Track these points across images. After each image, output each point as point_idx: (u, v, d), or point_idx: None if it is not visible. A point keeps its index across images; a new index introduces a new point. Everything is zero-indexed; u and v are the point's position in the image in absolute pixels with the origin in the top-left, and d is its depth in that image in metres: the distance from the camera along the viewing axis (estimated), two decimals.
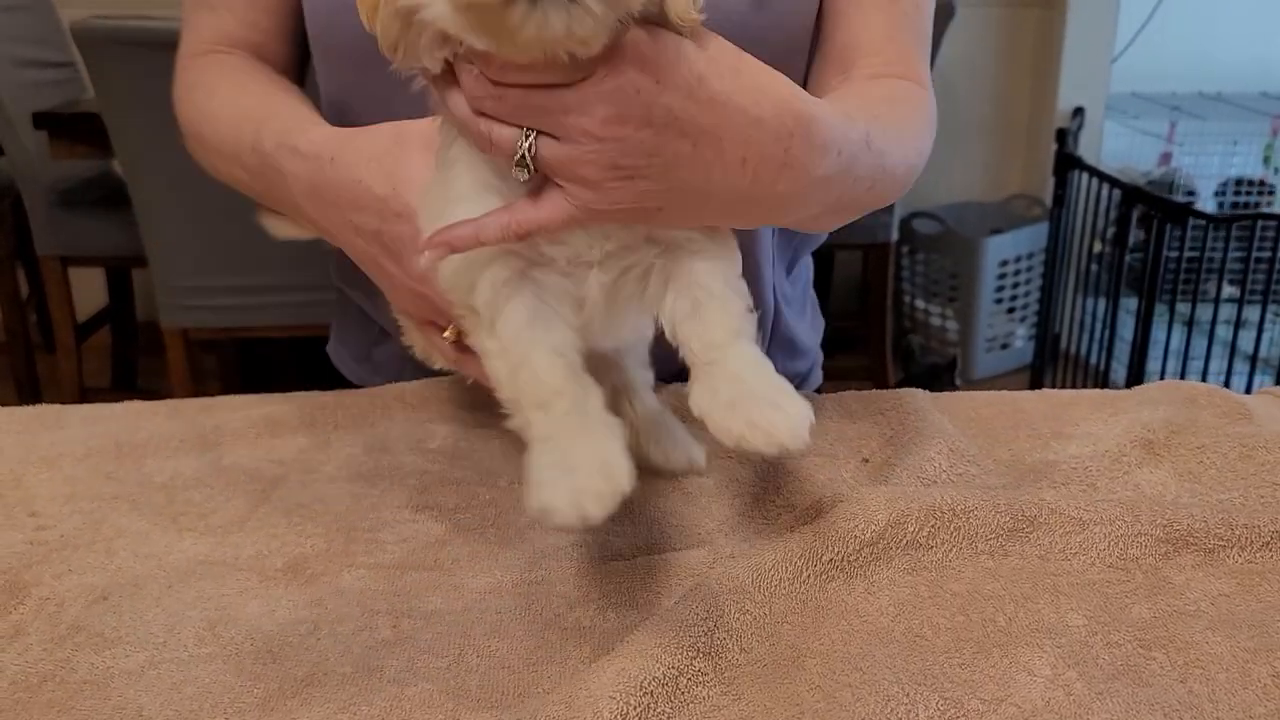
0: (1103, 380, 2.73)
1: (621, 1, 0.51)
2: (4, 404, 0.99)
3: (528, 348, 0.60)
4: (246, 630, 0.67)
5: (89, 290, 3.08)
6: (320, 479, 0.86)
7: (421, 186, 0.66)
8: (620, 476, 0.56)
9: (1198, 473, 0.82)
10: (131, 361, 3.23)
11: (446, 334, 0.73)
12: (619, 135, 0.55)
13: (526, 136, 0.56)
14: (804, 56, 0.87)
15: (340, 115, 0.87)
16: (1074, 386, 2.92)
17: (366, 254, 0.75)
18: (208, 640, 0.66)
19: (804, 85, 0.85)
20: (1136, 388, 0.99)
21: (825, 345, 1.13)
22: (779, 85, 0.60)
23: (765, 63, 0.63)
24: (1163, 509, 0.74)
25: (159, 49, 2.13)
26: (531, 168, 0.56)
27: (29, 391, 3.02)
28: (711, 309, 0.62)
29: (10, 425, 0.94)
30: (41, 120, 2.45)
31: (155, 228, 2.32)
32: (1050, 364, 3.06)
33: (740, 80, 0.58)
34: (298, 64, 0.96)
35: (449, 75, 0.58)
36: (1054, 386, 2.98)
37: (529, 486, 0.57)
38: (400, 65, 0.58)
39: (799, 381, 1.07)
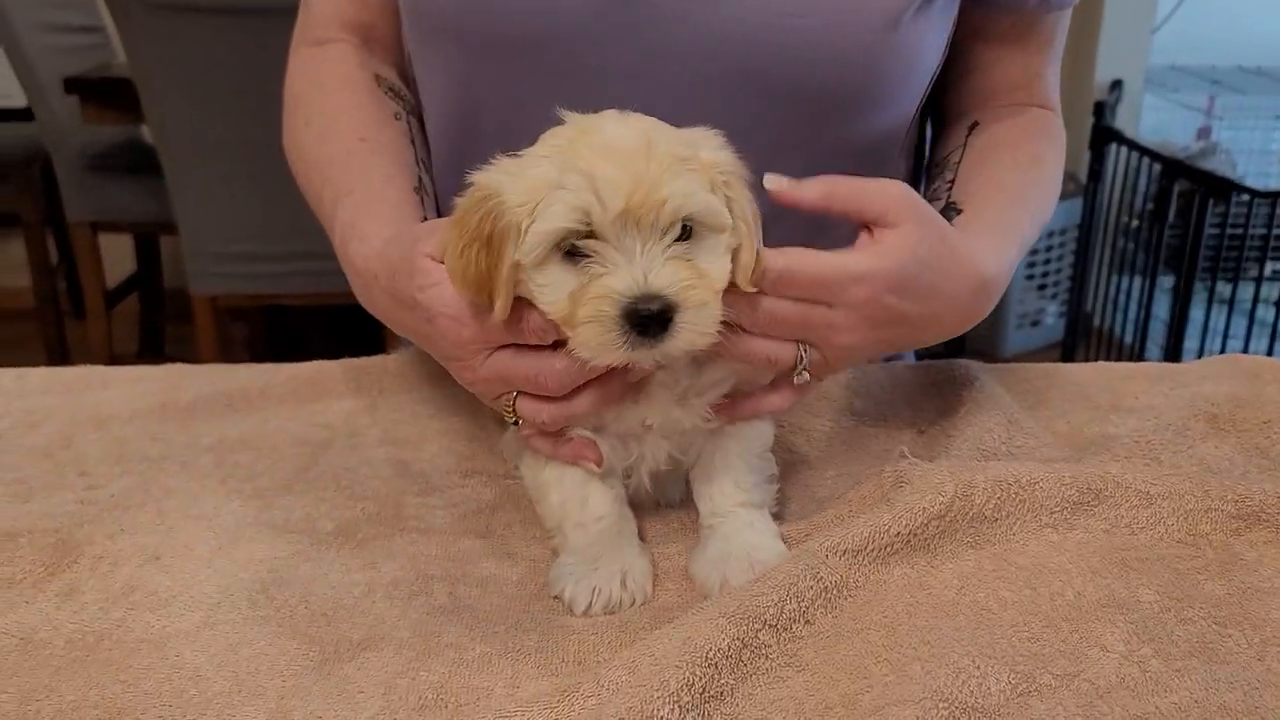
0: (1137, 359, 2.69)
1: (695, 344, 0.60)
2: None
3: (585, 480, 0.69)
4: (300, 593, 0.66)
5: (116, 257, 3.09)
6: (367, 442, 0.85)
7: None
8: (635, 589, 0.67)
9: (1265, 447, 0.80)
10: (159, 328, 3.24)
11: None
12: (871, 341, 0.67)
13: (804, 351, 0.66)
14: (928, 79, 0.86)
15: (467, 114, 0.85)
16: None
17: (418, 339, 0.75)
18: (261, 603, 0.66)
19: (925, 102, 0.89)
20: (1195, 361, 0.96)
21: None
22: (968, 257, 0.71)
23: (887, 86, 0.78)
24: (1233, 484, 0.72)
25: (191, 13, 2.13)
26: (807, 372, 0.67)
27: (59, 357, 3.03)
28: (724, 482, 0.71)
29: (56, 386, 0.93)
30: (73, 85, 2.44)
31: (186, 194, 2.32)
32: (1081, 342, 3.02)
33: (949, 269, 0.69)
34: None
35: None
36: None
37: (555, 579, 0.67)
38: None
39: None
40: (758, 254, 0.61)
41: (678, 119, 0.62)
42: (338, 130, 0.86)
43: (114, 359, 2.75)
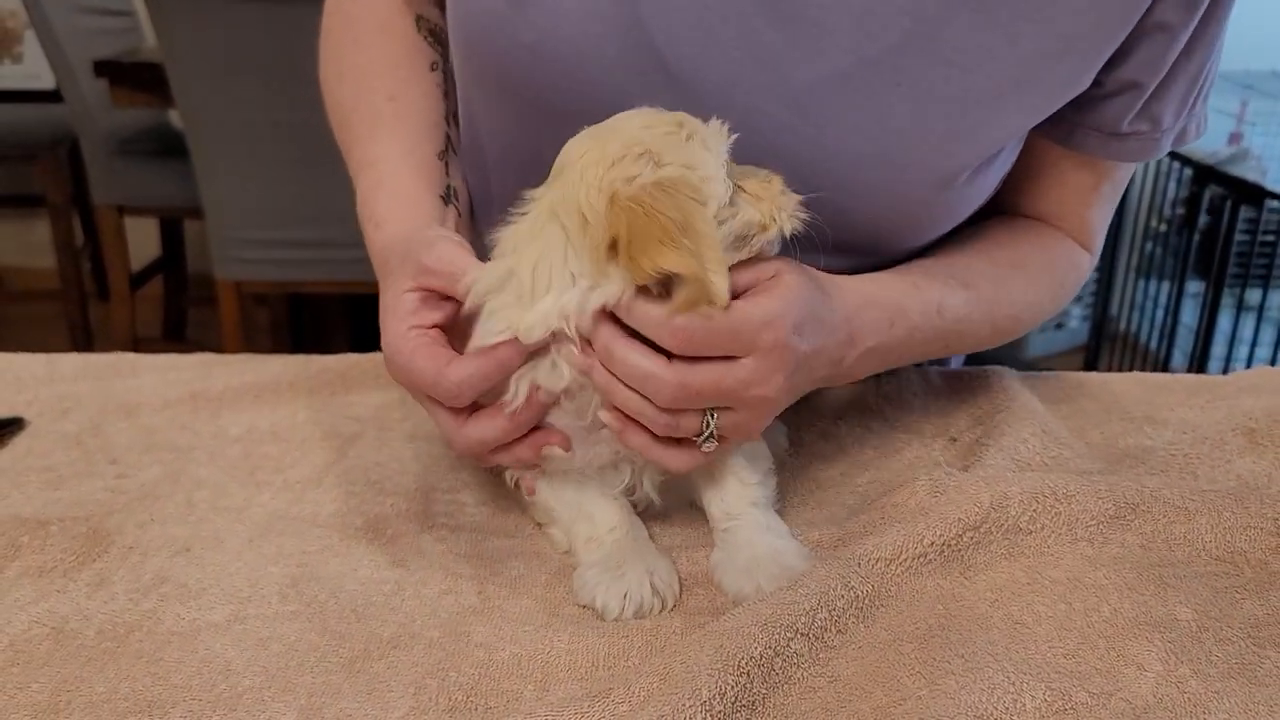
0: (1163, 366, 2.67)
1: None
2: (56, 352, 0.98)
3: (582, 491, 0.70)
4: (330, 589, 0.66)
5: (141, 241, 3.10)
6: (397, 437, 0.85)
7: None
8: (664, 589, 0.66)
9: None
10: (182, 312, 3.25)
11: None
12: (785, 390, 0.64)
13: (711, 417, 0.63)
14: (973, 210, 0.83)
15: (505, 153, 0.83)
16: (1130, 369, 2.85)
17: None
18: (291, 597, 0.65)
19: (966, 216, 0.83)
20: (1233, 374, 0.95)
21: None
22: (834, 288, 0.69)
23: (929, 229, 0.79)
24: (1272, 501, 0.71)
25: None
26: (716, 438, 0.64)
27: (82, 339, 3.05)
28: (729, 482, 0.70)
29: (86, 373, 0.94)
30: (102, 68, 2.45)
31: (213, 180, 2.32)
32: (1106, 346, 3.00)
33: (827, 301, 0.67)
34: None
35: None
36: (1109, 369, 2.94)
37: (580, 588, 0.66)
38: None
39: None
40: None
41: None
42: (368, 88, 0.85)
43: (137, 342, 2.76)
